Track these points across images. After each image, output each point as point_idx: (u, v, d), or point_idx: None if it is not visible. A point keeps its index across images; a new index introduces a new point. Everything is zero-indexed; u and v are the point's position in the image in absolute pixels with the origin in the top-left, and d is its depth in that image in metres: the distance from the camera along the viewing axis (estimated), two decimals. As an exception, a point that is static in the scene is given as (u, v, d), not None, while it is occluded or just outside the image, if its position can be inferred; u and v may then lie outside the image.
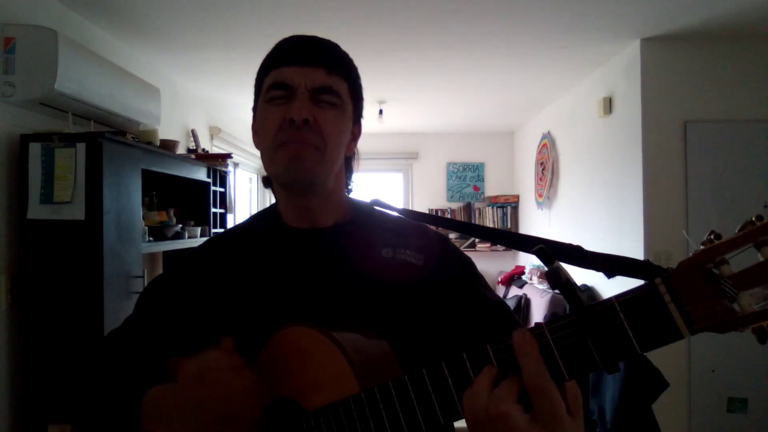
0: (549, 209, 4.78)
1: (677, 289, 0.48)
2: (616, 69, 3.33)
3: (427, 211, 5.45)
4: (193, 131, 3.78)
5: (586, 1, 2.49)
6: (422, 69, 3.59)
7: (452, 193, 6.18)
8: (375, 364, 0.66)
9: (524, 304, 4.70)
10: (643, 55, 3.02)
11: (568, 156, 4.35)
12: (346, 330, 0.69)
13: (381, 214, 0.87)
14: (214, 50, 3.14)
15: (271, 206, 0.89)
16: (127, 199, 2.27)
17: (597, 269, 0.58)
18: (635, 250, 3.01)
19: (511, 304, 4.79)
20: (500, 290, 5.40)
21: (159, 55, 3.22)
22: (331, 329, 0.66)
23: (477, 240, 5.70)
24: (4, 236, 2.06)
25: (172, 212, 2.96)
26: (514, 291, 5.10)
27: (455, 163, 6.19)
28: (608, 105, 3.43)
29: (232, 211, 3.82)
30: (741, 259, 0.48)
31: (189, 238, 3.00)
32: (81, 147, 2.05)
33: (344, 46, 0.83)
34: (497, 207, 5.98)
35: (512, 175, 6.13)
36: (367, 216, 0.86)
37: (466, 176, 6.20)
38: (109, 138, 2.14)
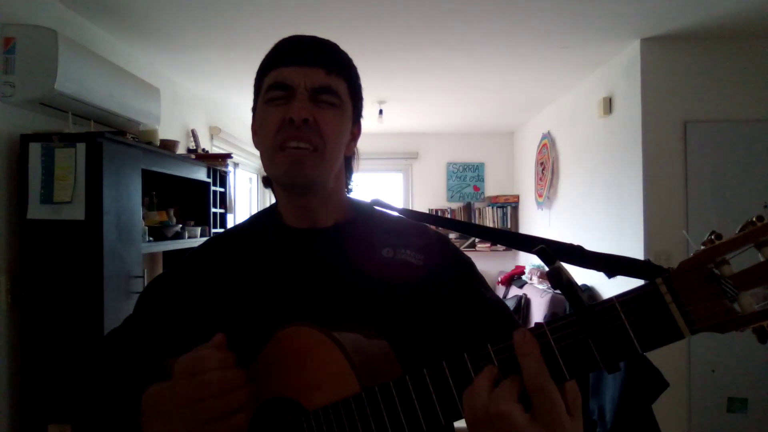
0: (549, 209, 4.78)
1: (678, 289, 0.48)
2: (616, 69, 3.33)
3: (427, 211, 5.45)
4: (193, 131, 3.78)
5: (586, 1, 2.49)
6: (422, 69, 3.59)
7: (452, 193, 6.18)
8: (375, 364, 0.66)
9: (524, 304, 4.70)
10: (643, 55, 3.02)
11: (568, 156, 4.35)
12: (346, 330, 0.69)
13: (381, 214, 0.87)
14: (214, 50, 3.14)
15: (271, 206, 0.89)
16: (127, 199, 2.27)
17: (597, 269, 0.58)
18: (635, 250, 3.01)
19: (511, 304, 4.79)
20: (500, 290, 5.40)
21: (159, 55, 3.22)
22: (331, 329, 0.66)
23: (477, 240, 5.70)
24: (4, 236, 2.06)
25: (172, 212, 2.96)
26: (514, 291, 5.10)
27: (455, 163, 6.19)
28: (608, 105, 3.43)
29: (232, 211, 3.82)
30: (741, 260, 0.48)
31: (189, 238, 3.00)
32: (81, 147, 2.05)
33: (344, 46, 0.83)
34: (497, 207, 5.99)
35: (512, 175, 6.13)
36: (367, 216, 0.86)
37: (466, 176, 6.20)
38: (109, 138, 2.14)
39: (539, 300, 4.36)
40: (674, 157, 3.00)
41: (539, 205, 4.99)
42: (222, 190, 3.56)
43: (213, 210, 3.40)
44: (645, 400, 2.25)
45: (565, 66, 3.56)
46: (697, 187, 2.98)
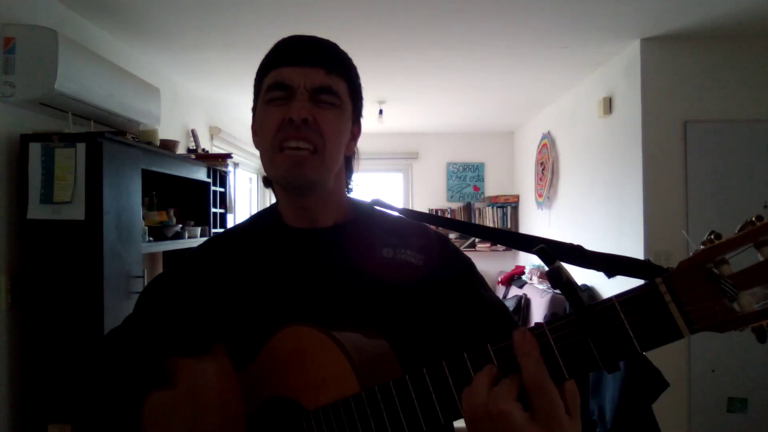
0: (549, 209, 4.78)
1: (677, 289, 0.48)
2: (616, 69, 3.33)
3: (427, 211, 5.45)
4: (193, 131, 3.78)
5: (586, 1, 2.49)
6: (422, 69, 3.59)
7: (452, 193, 6.18)
8: (375, 364, 0.66)
9: (524, 304, 4.70)
10: (643, 55, 3.02)
11: (568, 156, 4.35)
12: (346, 330, 0.69)
13: (381, 213, 0.87)
14: (214, 50, 3.14)
15: (272, 206, 0.89)
16: (127, 199, 2.27)
17: (597, 269, 0.58)
18: (635, 250, 3.01)
19: (511, 304, 4.79)
20: (500, 290, 5.40)
21: (159, 55, 3.22)
22: (331, 329, 0.66)
23: (477, 240, 5.70)
24: (4, 236, 2.06)
25: (172, 212, 2.96)
26: (514, 291, 5.10)
27: (455, 163, 6.19)
28: (608, 105, 3.43)
29: (232, 211, 3.82)
30: (741, 259, 0.48)
31: (189, 238, 3.00)
32: (81, 147, 2.05)
33: (344, 47, 0.83)
34: (497, 207, 5.99)
35: (512, 175, 6.13)
36: (367, 216, 0.86)
37: (466, 176, 6.20)
38: (109, 138, 2.14)
39: (539, 300, 4.36)
40: (674, 157, 3.00)
41: (539, 205, 5.00)
42: (222, 190, 3.56)
43: (213, 210, 3.40)
44: (645, 400, 2.25)
45: (565, 66, 3.56)
46: (697, 187, 2.98)
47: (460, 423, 0.59)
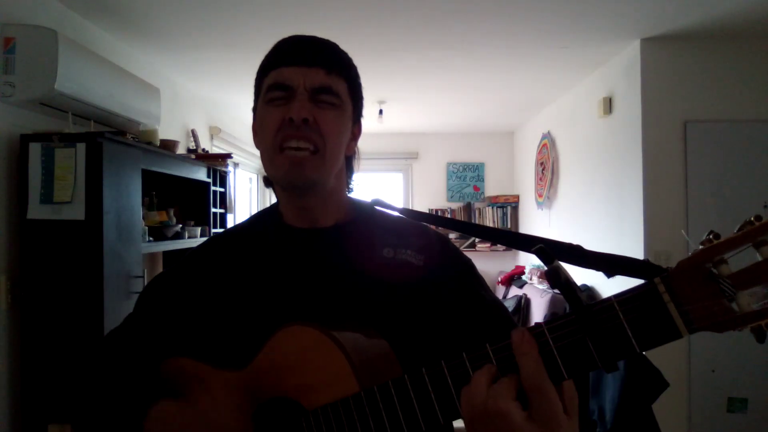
0: (549, 209, 4.78)
1: (676, 289, 0.48)
2: (616, 69, 3.33)
3: (427, 211, 5.45)
4: (193, 131, 3.78)
5: (586, 1, 2.49)
6: (422, 69, 3.59)
7: (452, 193, 6.18)
8: (375, 364, 0.66)
9: (524, 304, 4.70)
10: (643, 55, 3.02)
11: (568, 156, 4.35)
12: (346, 329, 0.69)
13: (382, 214, 0.87)
14: (214, 50, 3.14)
15: (272, 206, 0.89)
16: (127, 199, 2.27)
17: (597, 269, 0.58)
18: (635, 250, 3.01)
19: (511, 304, 4.79)
20: (500, 290, 5.40)
21: (159, 55, 3.22)
22: (331, 329, 0.66)
23: (477, 240, 5.70)
24: (4, 236, 2.06)
25: (172, 212, 2.96)
26: (514, 291, 5.10)
27: (455, 163, 6.19)
28: (608, 105, 3.43)
29: (232, 211, 3.82)
30: (740, 259, 0.48)
31: (189, 238, 3.00)
32: (81, 147, 2.05)
33: (344, 47, 0.83)
34: (497, 207, 5.99)
35: (512, 175, 6.13)
36: (367, 216, 0.86)
37: (466, 176, 6.20)
38: (109, 138, 2.14)
39: (539, 300, 4.36)
40: (674, 157, 3.00)
41: (539, 205, 4.99)
42: (222, 190, 3.56)
43: (213, 210, 3.40)
44: (645, 400, 2.25)
45: (565, 66, 3.56)
46: (697, 187, 2.98)
47: (459, 423, 0.60)
